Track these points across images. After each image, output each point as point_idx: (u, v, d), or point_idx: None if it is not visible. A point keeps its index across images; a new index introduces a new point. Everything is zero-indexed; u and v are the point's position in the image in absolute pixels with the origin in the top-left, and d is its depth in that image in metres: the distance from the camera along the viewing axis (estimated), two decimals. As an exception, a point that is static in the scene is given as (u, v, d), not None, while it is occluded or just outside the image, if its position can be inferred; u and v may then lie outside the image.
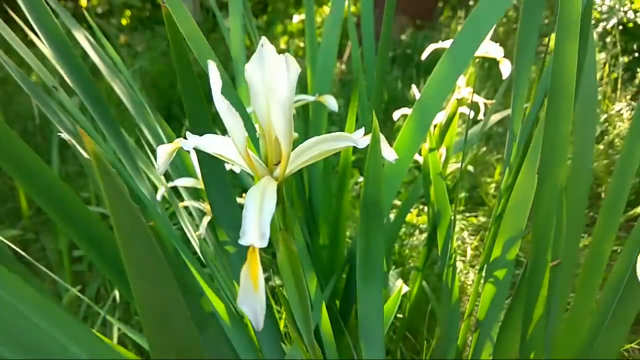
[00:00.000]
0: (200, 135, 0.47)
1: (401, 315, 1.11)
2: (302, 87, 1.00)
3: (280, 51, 0.28)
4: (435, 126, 1.02)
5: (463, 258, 2.03)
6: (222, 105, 0.27)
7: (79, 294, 0.80)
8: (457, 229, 2.24)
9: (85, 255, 1.60)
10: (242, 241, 0.27)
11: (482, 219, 2.34)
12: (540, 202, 0.49)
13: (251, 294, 0.26)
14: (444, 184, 0.77)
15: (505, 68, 0.86)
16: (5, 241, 0.59)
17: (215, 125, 0.71)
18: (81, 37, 0.78)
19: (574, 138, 0.78)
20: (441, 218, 0.76)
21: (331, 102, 0.79)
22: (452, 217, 0.75)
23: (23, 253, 0.93)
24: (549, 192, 0.48)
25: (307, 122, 0.95)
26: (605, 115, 2.61)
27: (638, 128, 0.69)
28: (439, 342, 0.70)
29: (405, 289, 1.05)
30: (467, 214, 2.33)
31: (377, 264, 0.41)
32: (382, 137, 0.37)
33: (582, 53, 0.69)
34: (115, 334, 1.04)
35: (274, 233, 0.35)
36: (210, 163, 0.58)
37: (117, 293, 1.32)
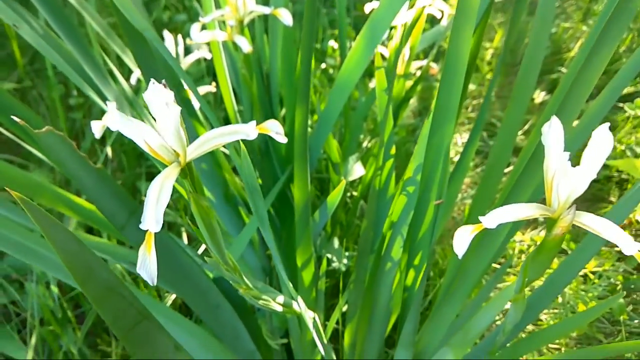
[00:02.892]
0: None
1: (356, 193, 1.26)
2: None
3: None
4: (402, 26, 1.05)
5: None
6: (122, 120, 0.37)
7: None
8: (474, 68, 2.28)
9: (80, 104, 1.71)
10: (142, 226, 0.38)
11: (472, 87, 2.36)
12: (430, 150, 0.59)
13: (147, 263, 0.39)
14: (387, 99, 0.85)
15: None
16: None
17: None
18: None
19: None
20: (384, 131, 0.86)
21: (285, 16, 0.82)
22: (392, 131, 0.84)
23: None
24: (437, 144, 0.58)
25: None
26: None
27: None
28: (364, 232, 0.85)
29: (362, 172, 1.18)
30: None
31: (263, 216, 0.53)
32: (274, 124, 0.45)
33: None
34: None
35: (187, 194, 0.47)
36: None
37: (109, 150, 1.46)
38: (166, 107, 0.36)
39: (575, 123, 0.67)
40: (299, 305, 0.73)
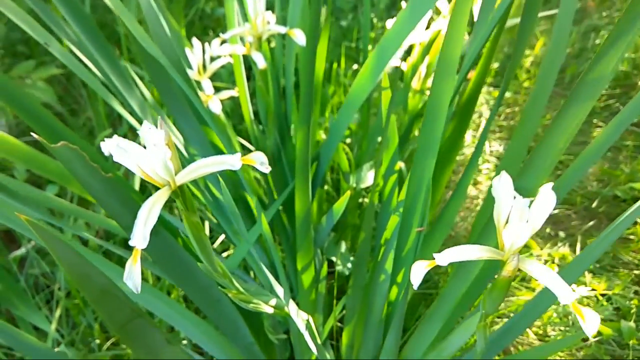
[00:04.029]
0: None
1: (367, 200, 1.30)
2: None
3: None
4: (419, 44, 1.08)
5: (475, 133, 2.13)
6: (118, 152, 0.43)
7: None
8: (477, 102, 2.29)
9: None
10: (131, 243, 0.45)
11: (508, 94, 2.36)
12: (412, 182, 0.63)
13: (133, 274, 0.45)
14: (394, 119, 0.89)
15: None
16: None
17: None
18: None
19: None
20: (387, 147, 0.90)
21: (299, 37, 0.87)
22: (396, 150, 0.88)
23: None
24: (419, 177, 0.62)
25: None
26: None
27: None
28: (361, 243, 0.90)
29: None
30: (493, 88, 2.35)
31: (251, 238, 0.59)
32: (258, 156, 0.51)
33: None
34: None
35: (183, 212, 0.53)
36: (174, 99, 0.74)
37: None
38: (154, 147, 0.43)
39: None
40: (290, 309, 0.79)
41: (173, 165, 0.47)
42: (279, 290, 0.74)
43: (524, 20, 0.86)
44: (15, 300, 1.07)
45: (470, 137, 2.16)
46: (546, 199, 0.44)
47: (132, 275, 0.45)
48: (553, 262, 1.56)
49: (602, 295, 1.40)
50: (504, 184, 0.46)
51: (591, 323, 0.45)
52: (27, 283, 1.29)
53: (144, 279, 1.25)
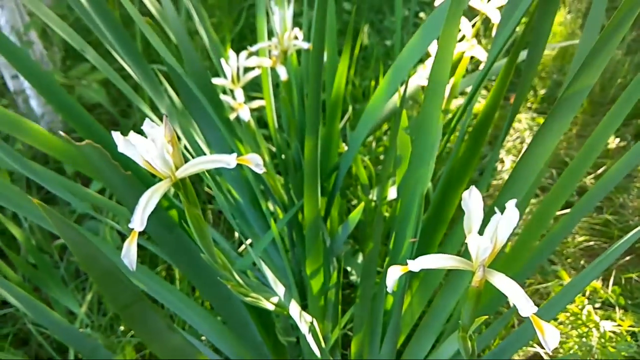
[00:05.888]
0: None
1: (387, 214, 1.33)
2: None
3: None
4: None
5: (515, 158, 2.11)
6: (125, 145, 0.49)
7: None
8: (520, 127, 2.27)
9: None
10: (130, 225, 0.50)
11: (551, 120, 2.32)
12: (405, 192, 0.66)
13: (129, 253, 0.51)
14: (409, 138, 0.92)
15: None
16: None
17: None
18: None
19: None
20: (401, 163, 0.93)
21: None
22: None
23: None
24: (412, 187, 0.65)
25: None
26: None
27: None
28: (369, 253, 0.92)
29: (394, 195, 1.25)
30: (536, 115, 2.32)
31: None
32: (254, 157, 0.56)
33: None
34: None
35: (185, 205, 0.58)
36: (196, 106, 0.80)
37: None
38: (152, 142, 0.48)
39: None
40: (291, 309, 0.82)
41: (174, 160, 0.53)
42: (280, 289, 0.78)
43: (532, 44, 0.88)
44: (52, 284, 1.16)
45: (509, 162, 2.14)
46: (510, 214, 0.46)
47: (129, 254, 0.51)
48: (583, 295, 1.52)
49: (626, 331, 1.36)
50: (473, 198, 0.48)
51: (551, 338, 0.46)
52: (67, 270, 1.39)
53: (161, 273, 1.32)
